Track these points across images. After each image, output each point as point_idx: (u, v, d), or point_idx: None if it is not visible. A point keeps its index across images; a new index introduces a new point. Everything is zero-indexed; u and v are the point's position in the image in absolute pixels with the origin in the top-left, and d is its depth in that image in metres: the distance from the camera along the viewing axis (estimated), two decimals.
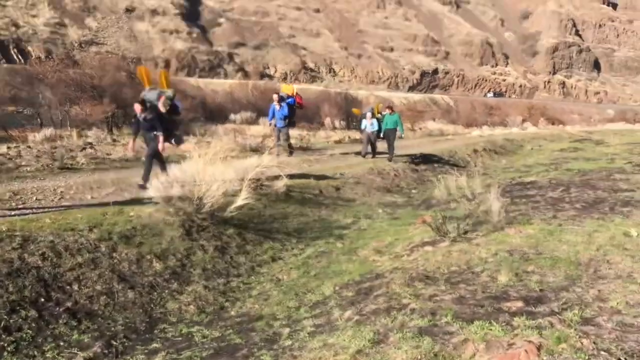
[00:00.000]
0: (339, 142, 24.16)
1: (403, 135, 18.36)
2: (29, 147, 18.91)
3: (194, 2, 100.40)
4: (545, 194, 10.79)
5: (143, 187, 9.06)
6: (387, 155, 17.15)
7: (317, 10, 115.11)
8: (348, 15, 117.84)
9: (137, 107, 9.45)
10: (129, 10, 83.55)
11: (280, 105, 15.35)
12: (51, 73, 35.51)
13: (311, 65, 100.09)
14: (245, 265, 7.36)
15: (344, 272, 6.95)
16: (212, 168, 8.18)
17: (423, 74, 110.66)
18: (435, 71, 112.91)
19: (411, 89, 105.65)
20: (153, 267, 6.57)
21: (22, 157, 13.69)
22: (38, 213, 7.36)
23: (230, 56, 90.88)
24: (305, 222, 9.64)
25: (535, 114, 64.63)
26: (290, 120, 15.76)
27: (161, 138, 9.36)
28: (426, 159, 18.55)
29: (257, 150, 16.38)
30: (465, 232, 7.18)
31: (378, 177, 14.48)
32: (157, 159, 9.66)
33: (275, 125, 15.66)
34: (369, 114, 17.32)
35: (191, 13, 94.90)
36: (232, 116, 37.71)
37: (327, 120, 37.15)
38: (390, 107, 17.81)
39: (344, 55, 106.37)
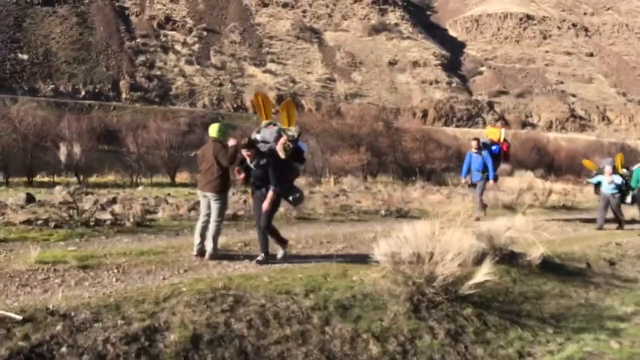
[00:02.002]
0: None
1: None
2: None
3: (456, 52, 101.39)
4: None
5: (262, 262, 7.18)
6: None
7: (591, 54, 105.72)
8: (627, 58, 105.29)
9: (245, 153, 7.00)
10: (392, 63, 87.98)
11: (480, 154, 12.45)
12: (317, 123, 38.82)
13: (581, 112, 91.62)
14: None
15: None
16: (450, 231, 6.88)
17: None
18: None
19: None
20: (369, 349, 5.52)
21: None
22: (260, 269, 6.99)
23: (490, 105, 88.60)
24: (566, 306, 7.59)
25: None
26: (493, 173, 12.56)
27: (270, 194, 6.99)
28: None
29: (510, 207, 14.49)
30: None
31: None
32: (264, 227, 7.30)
33: (470, 181, 12.83)
34: (607, 168, 13.22)
35: (452, 63, 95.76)
36: None
37: None
38: None
39: (621, 102, 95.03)
